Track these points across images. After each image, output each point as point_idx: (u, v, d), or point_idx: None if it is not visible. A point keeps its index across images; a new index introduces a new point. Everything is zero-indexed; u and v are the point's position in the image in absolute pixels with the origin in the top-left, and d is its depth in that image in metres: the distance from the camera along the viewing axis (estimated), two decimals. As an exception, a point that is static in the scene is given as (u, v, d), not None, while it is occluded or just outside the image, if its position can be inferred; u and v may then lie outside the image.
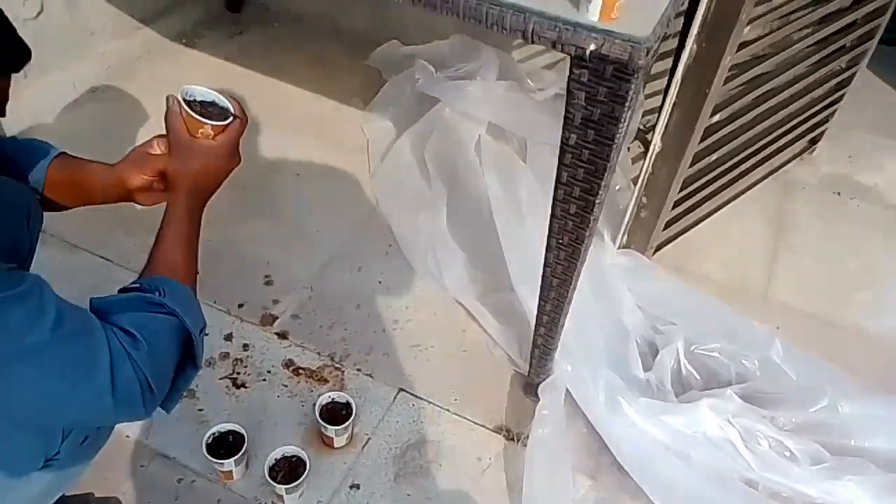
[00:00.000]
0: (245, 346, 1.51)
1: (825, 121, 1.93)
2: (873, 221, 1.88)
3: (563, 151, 1.01)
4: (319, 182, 1.93)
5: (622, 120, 0.94)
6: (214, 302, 1.59)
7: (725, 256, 1.77)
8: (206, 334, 0.92)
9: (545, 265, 1.18)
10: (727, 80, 1.34)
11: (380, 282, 1.68)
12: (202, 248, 1.76)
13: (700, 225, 1.78)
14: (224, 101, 0.96)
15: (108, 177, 1.04)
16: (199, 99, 0.96)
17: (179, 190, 0.96)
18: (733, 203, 1.85)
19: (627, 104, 0.91)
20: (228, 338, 1.53)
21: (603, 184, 1.02)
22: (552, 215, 1.10)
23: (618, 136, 0.96)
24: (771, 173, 1.92)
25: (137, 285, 0.87)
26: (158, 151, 1.00)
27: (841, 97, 1.88)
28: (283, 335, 1.54)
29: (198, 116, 0.93)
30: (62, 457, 0.90)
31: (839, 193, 1.95)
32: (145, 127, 2.04)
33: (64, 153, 1.07)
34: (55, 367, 0.73)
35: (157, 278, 0.88)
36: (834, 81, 1.81)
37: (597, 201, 1.04)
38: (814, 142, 1.99)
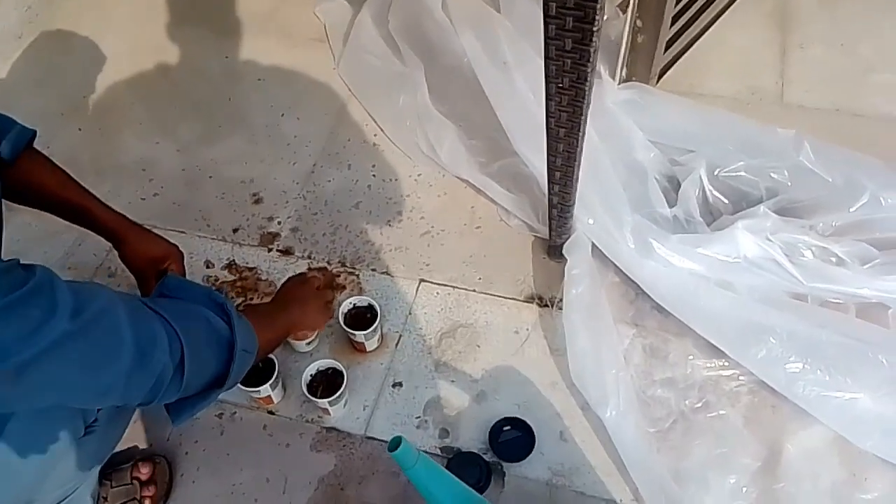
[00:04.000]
0: (251, 270, 1.43)
1: None
2: (881, -2, 1.73)
3: (547, -22, 0.87)
4: (283, 83, 1.77)
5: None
6: (207, 232, 1.50)
7: (733, 68, 1.64)
8: (254, 357, 0.96)
9: (548, 115, 1.07)
10: None
11: (373, 175, 1.57)
12: (181, 176, 1.67)
13: (700, 40, 1.64)
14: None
15: (116, 224, 1.14)
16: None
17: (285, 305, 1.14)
18: (731, 9, 1.70)
19: None
20: (231, 266, 1.44)
21: (598, 6, 0.89)
22: (546, 57, 0.98)
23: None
24: (766, -33, 1.74)
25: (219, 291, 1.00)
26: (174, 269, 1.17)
27: None
28: (287, 251, 1.46)
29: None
30: (101, 422, 0.87)
31: (841, -26, 1.78)
32: (94, 67, 1.86)
33: (34, 149, 1.09)
34: (77, 357, 0.70)
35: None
36: None
37: (594, 29, 0.91)
38: (807, -78, 1.80)
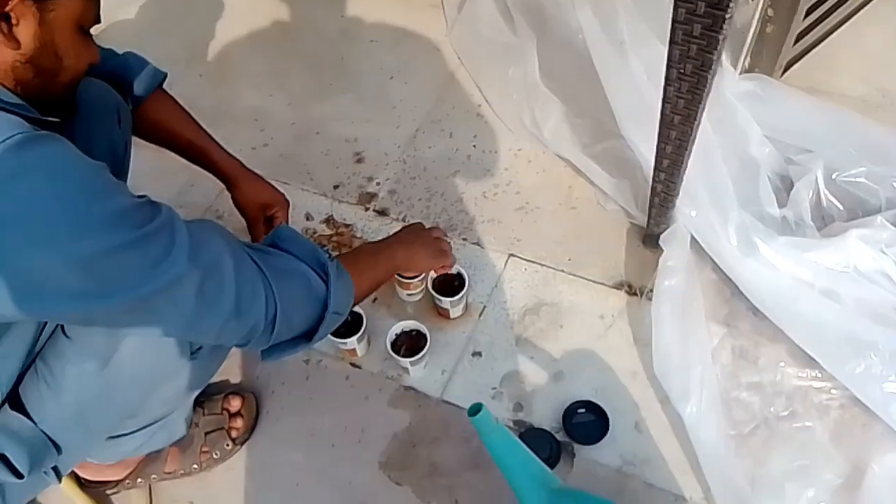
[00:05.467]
0: (347, 227, 1.48)
1: None
2: None
3: (683, -42, 0.85)
4: (395, 46, 1.80)
5: None
6: (309, 185, 1.55)
7: (864, 68, 1.54)
8: (344, 318, 0.97)
9: (664, 101, 1.05)
10: None
11: (474, 145, 1.58)
12: (290, 129, 1.72)
13: (833, 35, 1.54)
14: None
15: (233, 169, 1.19)
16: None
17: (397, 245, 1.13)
18: (869, 6, 1.59)
19: None
20: (329, 220, 1.49)
21: (733, -8, 0.86)
22: (671, 41, 0.95)
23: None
24: (916, -39, 1.62)
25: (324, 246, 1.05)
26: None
27: None
28: (383, 212, 1.50)
29: None
30: (204, 351, 0.92)
31: None
32: (214, 17, 1.94)
33: (163, 90, 1.17)
34: (184, 299, 0.74)
35: (340, 262, 0.95)
36: None
37: (726, 16, 0.88)
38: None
